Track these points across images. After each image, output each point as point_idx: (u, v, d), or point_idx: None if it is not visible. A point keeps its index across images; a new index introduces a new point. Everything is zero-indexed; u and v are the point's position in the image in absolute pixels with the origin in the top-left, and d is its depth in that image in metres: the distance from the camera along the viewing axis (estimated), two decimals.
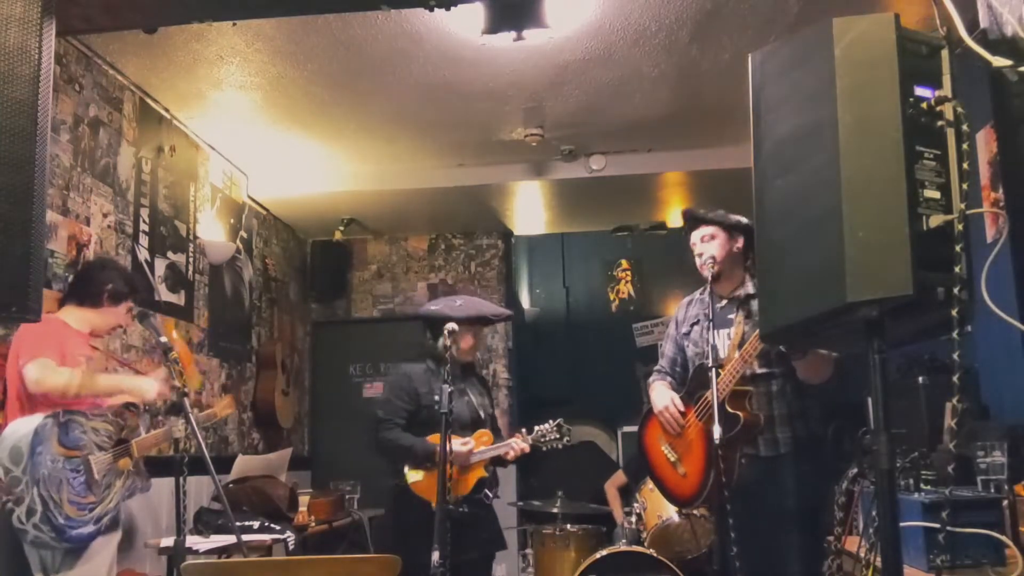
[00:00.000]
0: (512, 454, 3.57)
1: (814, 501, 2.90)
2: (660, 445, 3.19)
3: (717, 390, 2.78)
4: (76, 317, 3.11)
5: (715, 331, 3.02)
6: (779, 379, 2.97)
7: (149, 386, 3.11)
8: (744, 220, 3.06)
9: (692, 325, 3.24)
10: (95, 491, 2.84)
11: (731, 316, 3.05)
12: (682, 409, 3.08)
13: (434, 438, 3.30)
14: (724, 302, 3.13)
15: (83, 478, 2.81)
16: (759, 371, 2.98)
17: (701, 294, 3.25)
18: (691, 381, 3.14)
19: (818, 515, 2.88)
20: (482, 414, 3.68)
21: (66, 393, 2.84)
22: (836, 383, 2.90)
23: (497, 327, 6.82)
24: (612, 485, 5.63)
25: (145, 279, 3.44)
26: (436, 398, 3.22)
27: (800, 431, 2.95)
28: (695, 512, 4.33)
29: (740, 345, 2.90)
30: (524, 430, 3.71)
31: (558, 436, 3.63)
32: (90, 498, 2.82)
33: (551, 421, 3.68)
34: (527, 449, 3.61)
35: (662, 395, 3.17)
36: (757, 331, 2.73)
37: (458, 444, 3.38)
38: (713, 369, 2.81)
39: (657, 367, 3.40)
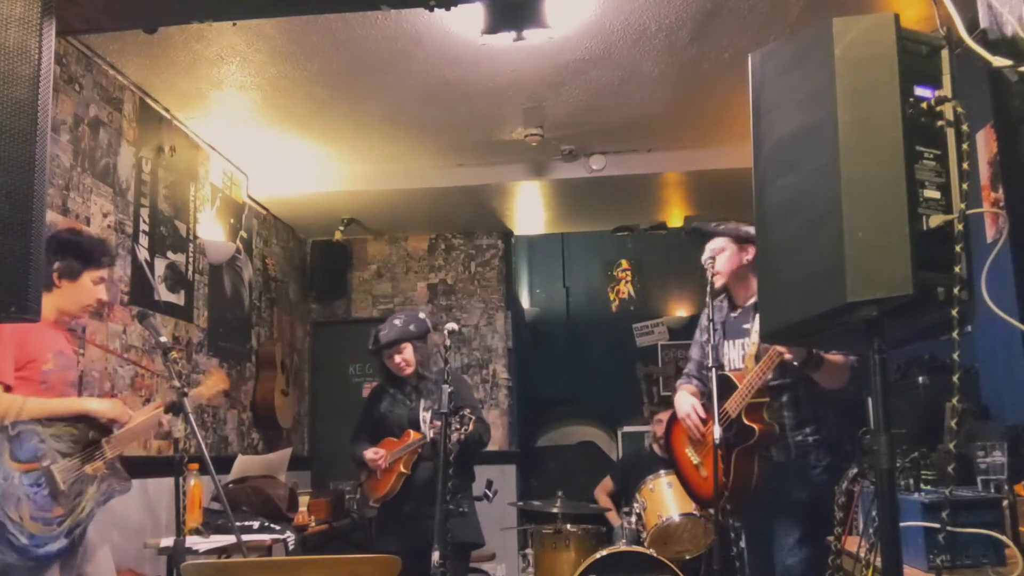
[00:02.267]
0: (419, 448, 3.83)
1: (822, 505, 2.87)
2: (685, 448, 3.29)
3: (734, 403, 2.87)
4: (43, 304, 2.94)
5: (729, 341, 3.11)
6: (791, 389, 2.99)
7: (106, 407, 2.83)
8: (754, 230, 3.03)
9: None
10: (63, 502, 2.65)
11: (746, 326, 3.07)
12: (703, 416, 3.14)
13: (385, 443, 3.93)
14: (739, 311, 3.15)
15: (46, 491, 2.61)
16: (773, 383, 2.99)
17: (720, 302, 3.25)
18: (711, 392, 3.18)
19: (828, 517, 2.88)
20: (424, 419, 3.86)
21: (3, 421, 2.59)
22: (854, 387, 2.92)
23: (496, 327, 6.84)
24: (602, 491, 5.59)
25: (106, 244, 3.04)
26: (381, 410, 4.00)
27: (811, 436, 2.97)
28: (695, 512, 4.34)
29: (757, 357, 2.92)
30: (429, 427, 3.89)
31: (459, 425, 3.69)
32: (57, 511, 2.62)
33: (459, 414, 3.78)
34: (428, 437, 3.77)
35: (684, 401, 3.23)
36: (777, 347, 2.77)
37: (370, 453, 3.88)
38: (712, 370, 2.89)
39: (685, 371, 3.46)
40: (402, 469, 3.81)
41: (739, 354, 3.07)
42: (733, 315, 3.16)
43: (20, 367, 2.70)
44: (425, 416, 3.87)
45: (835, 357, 2.85)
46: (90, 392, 3.72)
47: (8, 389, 2.66)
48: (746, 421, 2.90)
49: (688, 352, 3.52)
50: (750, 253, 3.08)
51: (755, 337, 2.96)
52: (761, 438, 2.89)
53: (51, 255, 2.81)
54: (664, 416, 5.44)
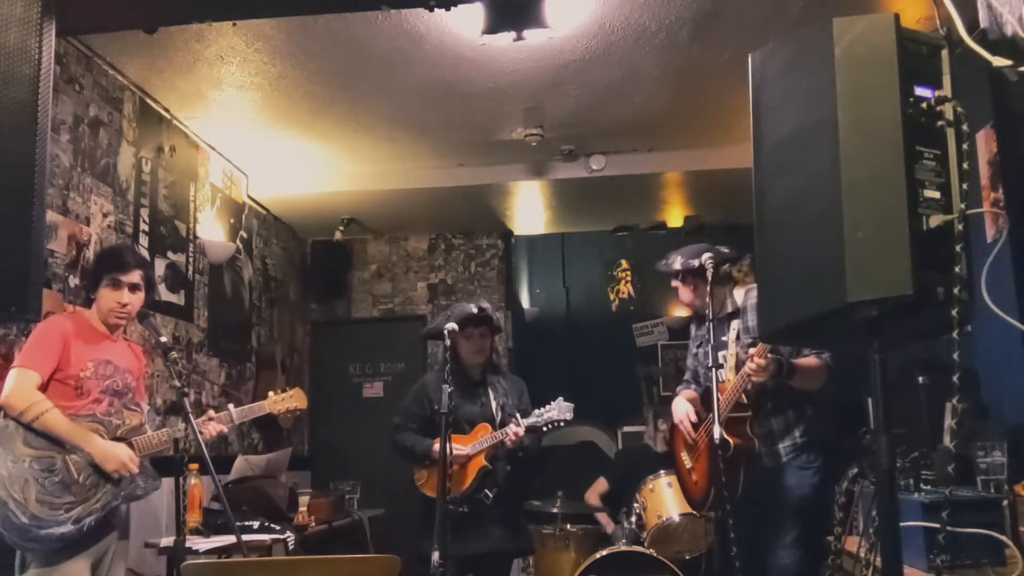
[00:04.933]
0: (509, 440, 3.67)
1: (816, 504, 3.03)
2: (681, 452, 3.45)
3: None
4: (90, 315, 3.09)
5: (716, 352, 3.19)
6: (773, 396, 3.09)
7: (110, 455, 2.82)
8: (694, 262, 3.15)
9: (698, 346, 3.48)
10: (75, 491, 2.72)
11: (724, 338, 3.17)
12: (695, 421, 3.30)
13: (452, 439, 3.57)
14: (716, 321, 3.25)
15: (57, 478, 2.70)
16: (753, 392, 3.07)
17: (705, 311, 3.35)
18: (702, 397, 3.35)
19: (819, 518, 2.97)
20: (498, 414, 3.77)
21: (21, 417, 2.71)
22: (832, 385, 3.06)
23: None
24: (594, 493, 5.44)
25: (118, 251, 3.27)
26: (443, 408, 3.50)
27: (800, 438, 3.10)
28: (696, 513, 4.33)
29: (736, 368, 3.02)
30: (518, 415, 3.79)
31: (557, 415, 3.69)
32: (67, 498, 2.70)
33: (552, 401, 3.79)
34: (521, 432, 3.67)
35: (680, 407, 3.39)
36: (745, 368, 2.90)
37: (457, 447, 3.57)
38: (713, 370, 2.94)
39: (685, 377, 3.62)
40: (484, 462, 3.67)
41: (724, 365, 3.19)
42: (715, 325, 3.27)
43: (59, 369, 2.83)
44: (496, 415, 3.76)
45: (808, 361, 2.97)
46: None
47: (44, 387, 2.79)
48: (724, 435, 2.97)
49: (685, 359, 3.67)
50: (705, 274, 3.13)
51: (732, 348, 3.06)
52: (737, 452, 2.99)
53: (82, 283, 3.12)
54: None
